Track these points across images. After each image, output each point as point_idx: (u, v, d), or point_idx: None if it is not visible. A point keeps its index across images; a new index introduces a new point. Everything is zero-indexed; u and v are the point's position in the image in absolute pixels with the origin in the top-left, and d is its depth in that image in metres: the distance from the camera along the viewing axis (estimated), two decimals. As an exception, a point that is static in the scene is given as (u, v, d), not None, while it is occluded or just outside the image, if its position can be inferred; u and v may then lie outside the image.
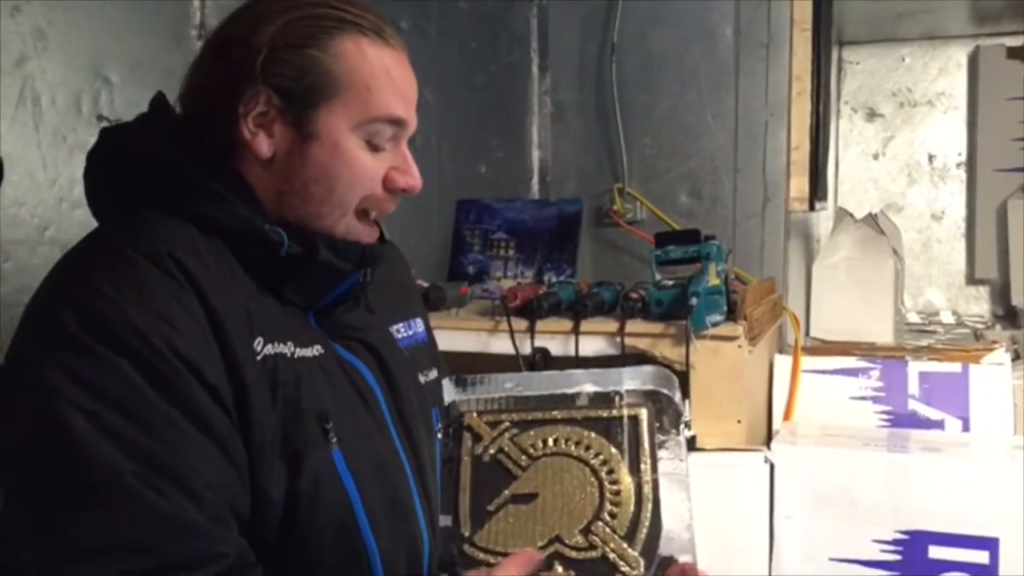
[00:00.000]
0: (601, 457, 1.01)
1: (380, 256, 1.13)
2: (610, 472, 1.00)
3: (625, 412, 1.03)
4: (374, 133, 1.04)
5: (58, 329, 0.90)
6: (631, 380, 1.06)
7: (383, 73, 1.04)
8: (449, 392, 1.07)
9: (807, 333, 2.64)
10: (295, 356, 1.01)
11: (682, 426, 1.03)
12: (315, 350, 1.04)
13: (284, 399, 0.98)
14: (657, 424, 1.03)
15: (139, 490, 0.86)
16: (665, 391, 1.05)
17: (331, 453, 1.00)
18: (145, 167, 1.02)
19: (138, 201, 1.01)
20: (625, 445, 1.02)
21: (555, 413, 1.05)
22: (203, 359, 0.92)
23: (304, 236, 1.03)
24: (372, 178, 1.05)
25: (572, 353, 1.94)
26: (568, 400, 1.06)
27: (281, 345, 0.99)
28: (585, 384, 1.07)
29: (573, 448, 1.03)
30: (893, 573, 1.81)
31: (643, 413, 1.03)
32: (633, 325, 1.93)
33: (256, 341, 0.97)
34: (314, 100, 1.01)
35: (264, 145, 1.02)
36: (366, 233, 1.09)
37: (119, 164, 1.04)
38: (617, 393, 1.05)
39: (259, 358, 0.97)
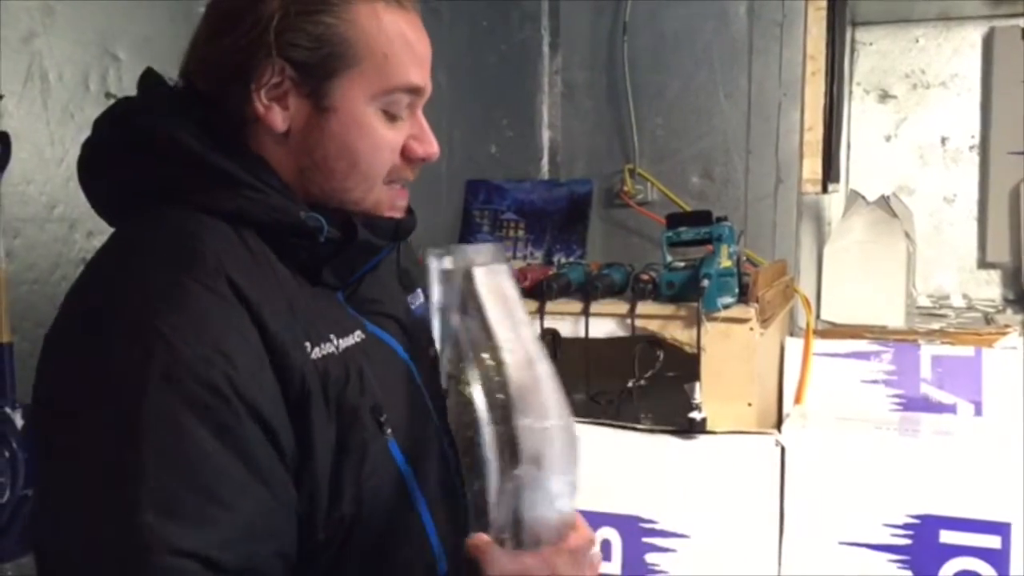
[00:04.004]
0: None
1: (413, 227, 1.10)
2: None
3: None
4: (392, 103, 1.00)
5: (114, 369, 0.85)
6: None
7: (400, 39, 0.99)
8: None
9: (818, 316, 2.63)
10: (341, 349, 0.96)
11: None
12: (356, 336, 1.00)
13: (338, 404, 0.94)
14: None
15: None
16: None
17: (388, 444, 0.97)
18: (160, 160, 0.96)
19: (158, 197, 0.95)
20: None
21: None
22: (260, 393, 0.88)
23: (339, 216, 0.99)
24: (392, 150, 1.01)
25: (582, 335, 1.93)
26: None
27: (327, 344, 0.95)
28: None
29: None
30: (903, 557, 1.81)
31: None
32: (644, 307, 1.92)
33: (305, 346, 0.93)
34: (330, 71, 0.96)
35: (279, 119, 0.97)
36: (396, 202, 1.05)
37: (132, 157, 0.97)
38: None
39: (311, 365, 0.93)
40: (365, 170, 1.00)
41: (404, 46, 0.99)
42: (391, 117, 1.01)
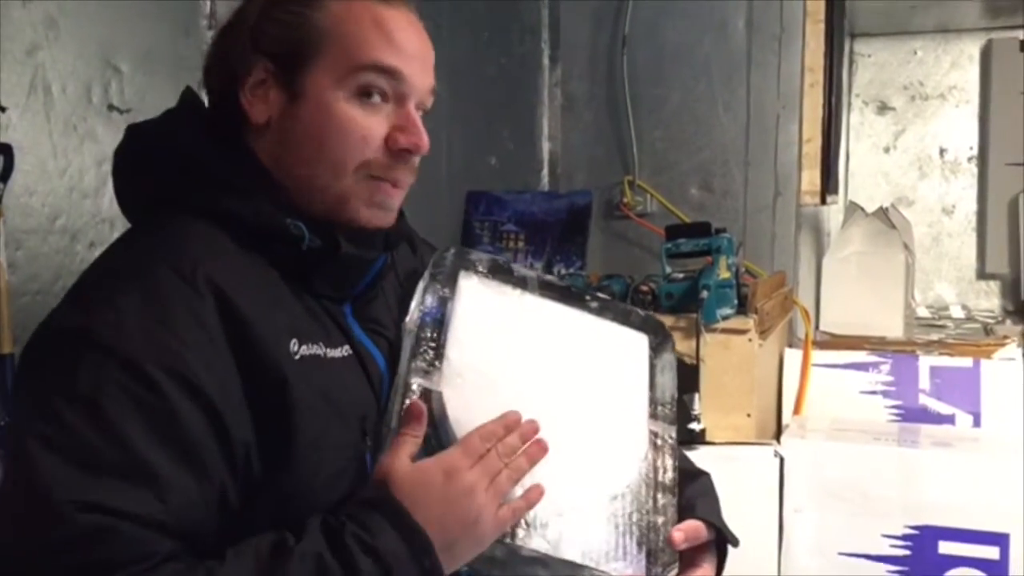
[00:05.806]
0: None
1: (403, 237, 1.12)
2: None
3: None
4: (365, 84, 0.99)
5: (56, 346, 0.89)
6: None
7: (371, 23, 1.00)
8: None
9: (817, 327, 2.63)
10: (327, 357, 0.98)
11: None
12: (344, 350, 1.01)
13: (327, 400, 0.96)
14: None
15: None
16: None
17: (365, 455, 0.99)
18: (169, 165, 1.00)
19: (163, 200, 0.99)
20: None
21: None
22: (207, 374, 0.88)
23: (326, 228, 1.00)
24: (364, 136, 1.00)
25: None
26: None
27: (314, 346, 0.97)
28: None
29: None
30: (902, 568, 1.81)
31: None
32: (643, 318, 1.92)
33: (292, 342, 0.95)
34: (301, 59, 0.99)
35: (258, 111, 1.00)
36: (375, 198, 1.03)
37: (144, 162, 1.02)
38: None
39: (297, 358, 0.94)
40: (330, 155, 1.00)
41: (373, 27, 1.00)
42: (367, 103, 1.00)
